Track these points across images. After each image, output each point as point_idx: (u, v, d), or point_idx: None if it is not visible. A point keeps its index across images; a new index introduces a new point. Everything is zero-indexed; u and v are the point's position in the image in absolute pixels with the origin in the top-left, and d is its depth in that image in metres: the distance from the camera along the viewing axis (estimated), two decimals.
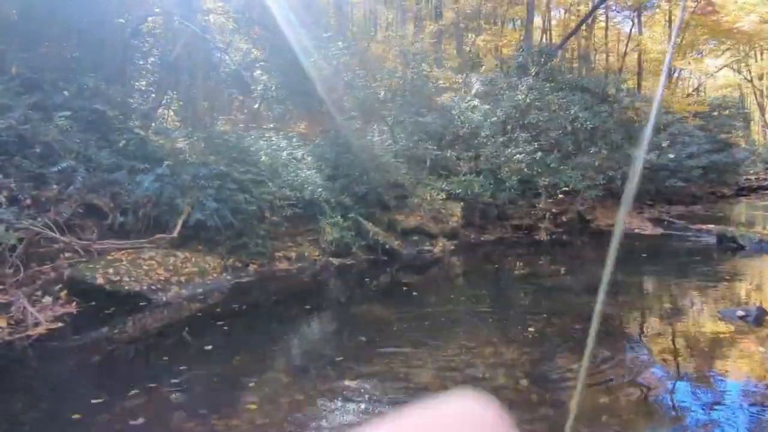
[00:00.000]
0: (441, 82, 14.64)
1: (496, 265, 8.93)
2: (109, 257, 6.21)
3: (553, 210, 12.85)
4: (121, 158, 7.34)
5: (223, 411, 3.16)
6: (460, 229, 10.92)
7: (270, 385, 3.58)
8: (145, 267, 6.20)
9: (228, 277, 7.13)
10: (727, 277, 6.62)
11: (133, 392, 3.42)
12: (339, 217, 9.17)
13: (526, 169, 11.68)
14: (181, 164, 7.87)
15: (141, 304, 5.75)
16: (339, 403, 3.23)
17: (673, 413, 3.03)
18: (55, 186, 6.52)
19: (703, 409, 3.01)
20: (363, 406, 3.18)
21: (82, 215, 6.78)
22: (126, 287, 5.79)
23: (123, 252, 6.40)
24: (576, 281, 7.08)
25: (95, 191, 6.88)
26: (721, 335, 4.38)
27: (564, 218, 12.74)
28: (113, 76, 8.55)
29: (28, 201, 6.16)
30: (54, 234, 6.05)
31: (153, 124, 9.42)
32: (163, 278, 6.19)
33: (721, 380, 3.49)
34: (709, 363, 3.80)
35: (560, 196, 12.18)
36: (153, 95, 9.77)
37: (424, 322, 5.08)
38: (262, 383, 3.60)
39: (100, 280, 5.73)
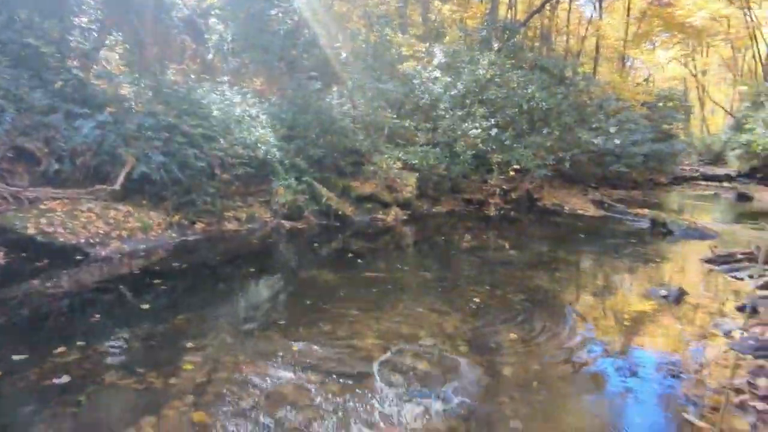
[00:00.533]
0: (404, 49, 14.39)
1: (446, 237, 9.13)
2: (42, 206, 5.83)
3: (504, 186, 13.21)
4: (57, 100, 6.80)
5: (161, 370, 3.10)
6: (414, 199, 11.02)
7: (212, 345, 3.54)
8: (83, 219, 5.87)
9: (173, 235, 6.88)
10: (656, 259, 7.10)
11: (61, 349, 3.28)
12: (293, 179, 9.00)
13: (481, 145, 11.85)
14: (125, 112, 7.40)
15: (77, 257, 5.47)
16: (281, 365, 3.25)
17: (597, 381, 3.27)
18: None
19: (622, 378, 3.26)
20: (305, 368, 3.22)
21: (11, 160, 6.28)
22: (60, 239, 5.47)
23: (58, 202, 6.01)
24: (519, 256, 7.38)
25: (27, 134, 6.36)
26: (644, 312, 4.73)
27: (513, 195, 13.14)
28: (49, 9, 7.79)
29: None
30: None
31: (94, 66, 8.76)
32: (102, 232, 5.89)
33: (641, 352, 3.79)
34: (632, 336, 4.11)
35: (511, 173, 12.51)
36: (95, 34, 9.01)
37: (371, 289, 5.15)
38: (204, 343, 3.55)
39: (31, 230, 5.38)
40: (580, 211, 12.20)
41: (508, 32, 14.62)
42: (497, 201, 12.67)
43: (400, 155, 10.91)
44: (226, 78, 10.91)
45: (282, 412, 2.69)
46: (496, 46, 13.87)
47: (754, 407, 2.74)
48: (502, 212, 11.88)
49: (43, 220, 5.53)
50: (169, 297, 4.73)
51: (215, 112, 8.65)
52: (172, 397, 2.79)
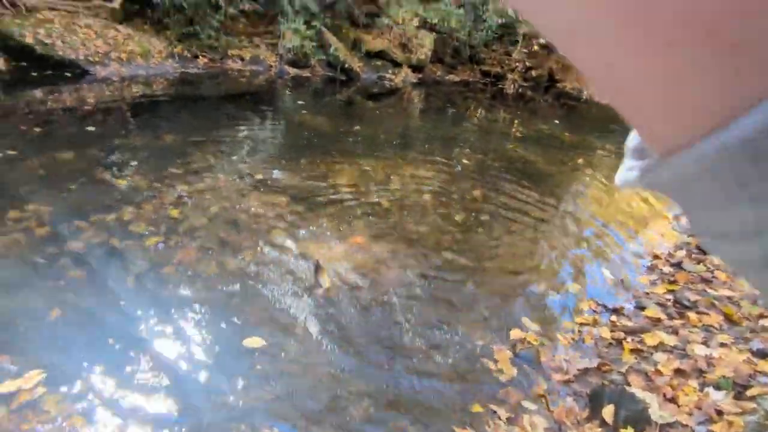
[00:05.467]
0: None
1: (454, 106, 9.01)
2: (39, 16, 5.78)
3: (526, 63, 12.58)
4: None
5: (147, 176, 3.43)
6: (428, 63, 10.63)
7: (196, 162, 3.83)
8: (81, 35, 5.86)
9: (174, 65, 6.90)
10: None
11: (66, 154, 3.60)
12: (302, 23, 8.64)
13: (510, 11, 11.01)
14: None
15: (76, 73, 5.60)
16: (253, 185, 3.57)
17: (542, 233, 3.58)
18: None
19: (577, 234, 3.56)
20: (282, 193, 3.53)
21: None
22: (60, 52, 5.54)
23: (56, 13, 5.94)
24: (522, 132, 7.37)
25: None
26: (613, 191, 4.92)
27: (534, 73, 12.57)
28: None
29: None
30: None
31: None
32: (101, 51, 5.92)
33: (600, 220, 4.06)
34: (594, 207, 4.34)
35: (536, 47, 11.81)
36: None
37: (359, 140, 5.33)
38: (189, 161, 3.84)
39: (29, 40, 5.43)
40: (598, 99, 11.77)
41: None
42: (516, 77, 12.18)
43: (419, 10, 10.25)
44: None
45: (244, 217, 3.06)
46: None
47: (660, 269, 3.06)
48: (519, 90, 11.50)
49: (41, 31, 5.54)
50: (167, 122, 4.95)
51: None
52: (154, 197, 3.15)
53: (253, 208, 3.21)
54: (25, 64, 5.37)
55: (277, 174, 3.87)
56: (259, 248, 2.75)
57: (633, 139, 0.23)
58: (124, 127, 4.63)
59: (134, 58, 6.23)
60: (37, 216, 2.73)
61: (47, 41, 5.48)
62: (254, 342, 2.05)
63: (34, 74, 5.27)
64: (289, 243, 2.86)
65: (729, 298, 2.70)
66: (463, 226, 3.50)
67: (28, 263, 2.33)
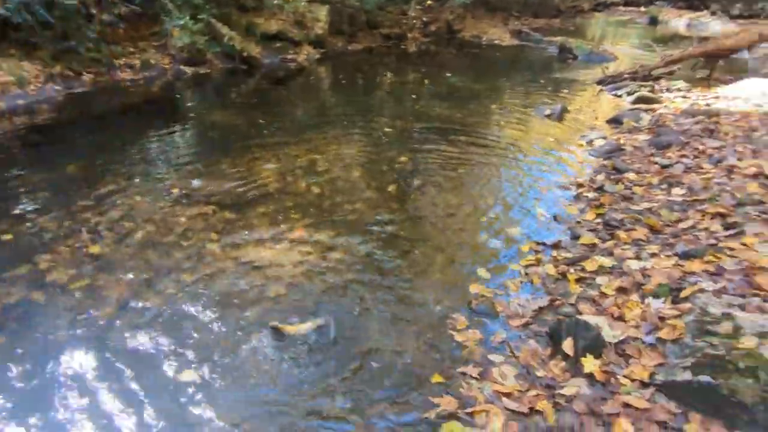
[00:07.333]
0: None
1: (362, 75, 8.90)
2: None
3: (423, 18, 12.64)
4: None
5: (53, 214, 3.13)
6: (327, 36, 10.37)
7: (106, 188, 3.54)
8: None
9: (57, 88, 6.26)
10: (555, 83, 7.44)
11: None
12: (188, 18, 8.08)
13: None
14: None
15: None
16: (174, 200, 3.37)
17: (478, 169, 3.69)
18: None
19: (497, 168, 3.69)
20: (208, 202, 3.36)
21: None
22: None
23: None
24: (432, 89, 7.44)
25: None
26: (529, 126, 5.15)
27: (433, 27, 12.66)
28: None
29: None
30: None
31: None
32: None
33: (521, 155, 4.24)
34: (512, 144, 4.52)
35: (429, 2, 11.86)
36: None
37: (276, 129, 5.15)
38: (99, 187, 3.54)
39: None
40: (497, 42, 12.10)
41: None
42: (417, 35, 12.22)
43: None
44: None
45: (172, 237, 2.89)
46: None
47: (586, 196, 3.27)
48: (421, 47, 11.54)
49: None
50: (63, 150, 4.50)
51: None
52: (68, 236, 2.89)
53: (179, 226, 3.03)
54: None
55: (197, 183, 3.67)
56: (197, 266, 2.62)
57: None
58: (15, 165, 4.17)
59: (9, 88, 5.57)
60: None
61: None
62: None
63: None
64: (228, 253, 2.75)
65: (649, 209, 2.93)
66: (397, 194, 3.53)
67: None
